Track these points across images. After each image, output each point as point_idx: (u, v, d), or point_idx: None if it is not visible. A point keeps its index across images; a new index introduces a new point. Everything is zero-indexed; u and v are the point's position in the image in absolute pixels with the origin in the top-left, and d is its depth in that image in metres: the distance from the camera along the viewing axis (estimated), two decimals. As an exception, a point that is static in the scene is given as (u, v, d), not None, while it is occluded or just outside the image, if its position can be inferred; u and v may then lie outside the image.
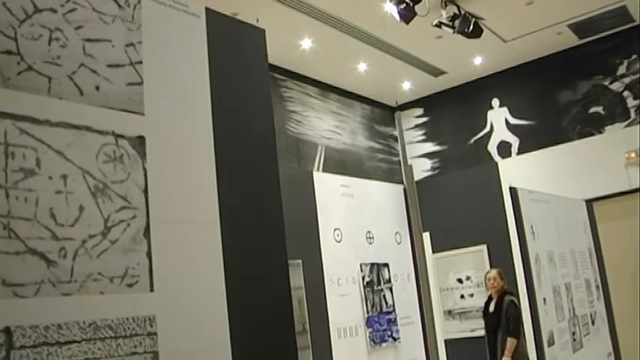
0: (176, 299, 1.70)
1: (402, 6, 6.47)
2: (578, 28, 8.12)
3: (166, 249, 1.70)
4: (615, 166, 7.65)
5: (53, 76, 1.53)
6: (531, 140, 8.78)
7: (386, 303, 6.05)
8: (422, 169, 9.79)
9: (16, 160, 1.41)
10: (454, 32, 7.01)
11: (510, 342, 5.37)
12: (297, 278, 4.98)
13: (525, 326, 5.29)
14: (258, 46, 2.30)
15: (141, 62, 1.77)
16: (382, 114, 10.00)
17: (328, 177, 6.34)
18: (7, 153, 1.40)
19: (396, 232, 6.52)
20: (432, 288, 6.01)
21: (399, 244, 6.51)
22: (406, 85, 9.44)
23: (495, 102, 9.33)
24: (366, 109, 9.69)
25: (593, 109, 8.49)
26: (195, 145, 1.90)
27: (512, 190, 4.63)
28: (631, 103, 8.22)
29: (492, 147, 9.33)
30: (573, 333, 5.11)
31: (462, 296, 6.47)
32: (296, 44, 7.50)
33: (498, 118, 9.30)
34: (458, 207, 6.43)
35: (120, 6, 1.75)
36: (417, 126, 10.07)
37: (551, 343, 4.52)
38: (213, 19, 2.08)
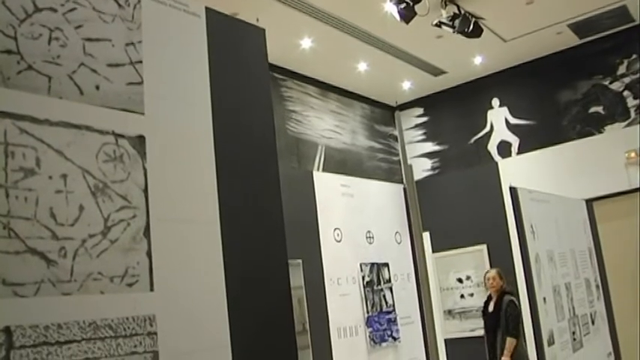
0: (176, 299, 1.70)
1: (402, 5, 6.47)
2: (578, 27, 8.12)
3: (166, 248, 1.70)
4: (615, 166, 7.65)
5: (53, 75, 1.53)
6: (531, 140, 8.78)
7: (386, 303, 6.05)
8: (422, 168, 9.79)
9: (16, 160, 1.41)
10: (454, 32, 7.01)
11: (510, 342, 5.36)
12: (297, 278, 4.98)
13: (525, 326, 5.29)
14: (258, 45, 2.30)
15: (141, 62, 1.77)
16: (382, 113, 10.00)
17: (328, 177, 6.33)
18: (7, 152, 1.40)
19: (396, 232, 6.52)
20: (432, 288, 6.01)
21: (399, 243, 6.51)
22: (406, 85, 9.44)
23: (495, 102, 9.34)
24: (366, 109, 9.69)
25: (593, 109, 8.49)
26: (195, 145, 1.90)
27: (512, 190, 4.63)
28: (631, 102, 8.22)
29: (492, 147, 9.33)
30: (573, 332, 5.11)
31: (462, 296, 6.47)
32: (296, 44, 7.50)
33: (498, 117, 9.30)
34: (458, 207, 6.43)
35: (120, 5, 1.75)
36: (417, 125, 10.07)
37: (551, 342, 4.52)
38: (213, 18, 2.08)
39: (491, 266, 6.03)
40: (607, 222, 7.04)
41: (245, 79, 2.20)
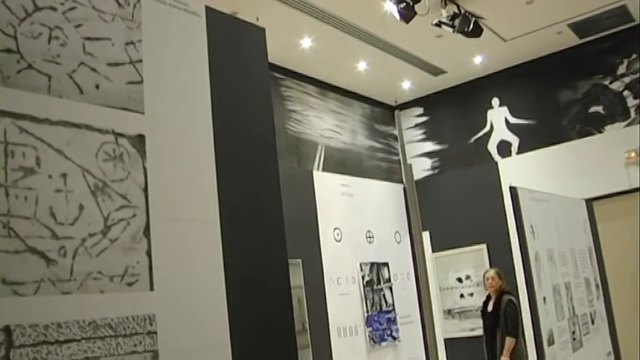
0: (176, 298, 1.70)
1: (402, 5, 6.47)
2: (578, 27, 8.11)
3: (166, 248, 1.70)
4: (615, 166, 7.65)
5: (53, 74, 1.53)
6: (531, 140, 8.78)
7: (385, 302, 6.05)
8: (422, 168, 9.79)
9: (15, 159, 1.41)
10: (454, 31, 7.01)
11: (509, 341, 5.37)
12: (296, 277, 4.98)
13: (525, 325, 5.29)
14: (258, 44, 2.30)
15: (141, 61, 1.77)
16: (382, 113, 10.00)
17: (328, 176, 6.34)
18: (7, 152, 1.40)
19: (396, 232, 6.52)
20: (432, 287, 6.01)
21: (398, 243, 6.51)
22: (406, 85, 9.44)
23: (495, 101, 9.33)
24: (366, 108, 9.69)
25: (593, 109, 8.49)
26: (195, 144, 1.90)
27: (512, 190, 4.63)
28: (631, 102, 8.22)
29: (492, 146, 9.33)
30: (573, 332, 5.11)
31: (462, 295, 6.47)
32: (296, 43, 7.49)
33: (498, 117, 9.30)
34: (458, 206, 6.43)
35: (120, 4, 1.75)
36: (416, 125, 10.07)
37: (550, 342, 4.52)
38: (213, 17, 2.08)
39: (491, 266, 6.03)
40: (607, 222, 7.05)
41: (245, 79, 2.20)
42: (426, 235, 6.12)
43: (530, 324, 4.52)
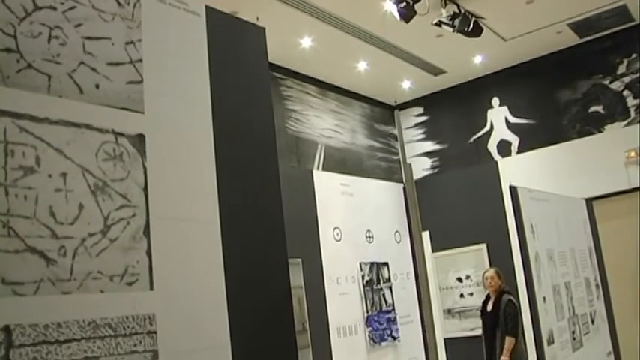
0: (176, 298, 1.70)
1: (402, 5, 6.47)
2: (578, 27, 8.12)
3: (166, 247, 1.70)
4: (615, 165, 7.65)
5: (53, 74, 1.53)
6: (531, 139, 8.78)
7: (385, 302, 6.05)
8: (422, 167, 9.79)
9: (15, 158, 1.41)
10: (454, 31, 7.01)
11: (509, 341, 5.36)
12: (296, 277, 4.98)
13: (525, 325, 5.29)
14: (258, 44, 2.30)
15: (141, 60, 1.77)
16: (382, 113, 10.00)
17: (328, 176, 6.34)
18: (7, 151, 1.40)
19: (396, 231, 6.52)
20: (432, 287, 6.01)
21: (398, 242, 6.51)
22: (406, 84, 9.44)
23: (495, 101, 9.34)
24: (366, 108, 9.69)
25: (592, 108, 8.49)
26: (195, 144, 1.90)
27: (512, 189, 4.63)
28: (631, 102, 8.22)
29: (492, 146, 9.33)
30: (573, 332, 5.11)
31: (462, 295, 6.47)
32: (296, 43, 7.49)
33: (498, 117, 9.30)
34: (457, 206, 6.43)
35: (120, 4, 1.75)
36: (416, 125, 10.07)
37: (550, 341, 4.52)
38: (213, 17, 2.08)
39: (490, 265, 6.03)
40: (607, 221, 7.05)
41: (245, 78, 2.20)
42: (425, 235, 6.11)
43: (530, 323, 4.52)
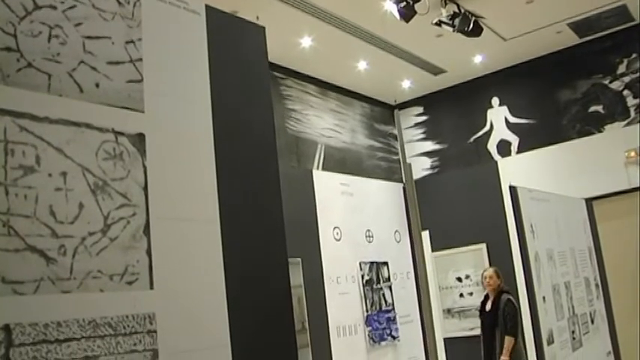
0: (176, 297, 1.70)
1: (402, 4, 6.47)
2: (578, 26, 8.12)
3: (166, 247, 1.70)
4: (615, 165, 7.65)
5: (53, 73, 1.53)
6: (531, 139, 8.78)
7: (385, 301, 6.05)
8: (421, 167, 9.79)
9: (15, 158, 1.41)
10: (454, 31, 7.01)
11: (508, 341, 5.36)
12: (296, 276, 4.98)
13: (525, 325, 5.29)
14: (258, 43, 2.30)
15: (141, 59, 1.77)
16: (382, 112, 9.99)
17: (328, 175, 6.34)
18: (7, 150, 1.40)
19: (396, 231, 6.52)
20: (432, 286, 6.01)
21: (398, 242, 6.51)
22: (406, 84, 9.44)
23: (495, 101, 9.33)
24: (366, 108, 9.69)
25: (592, 108, 8.49)
26: (195, 143, 1.90)
27: (512, 189, 4.63)
28: (631, 102, 8.22)
29: (492, 146, 9.33)
30: (573, 332, 5.11)
31: (462, 295, 6.47)
32: (296, 42, 7.49)
33: (498, 116, 9.30)
34: (457, 205, 6.43)
35: (120, 3, 1.75)
36: (416, 124, 10.07)
37: (550, 341, 4.52)
38: (213, 16, 2.08)
39: (490, 265, 6.03)
40: (607, 221, 7.05)
41: (245, 78, 2.20)
42: (425, 235, 6.11)
43: (529, 323, 4.52)
